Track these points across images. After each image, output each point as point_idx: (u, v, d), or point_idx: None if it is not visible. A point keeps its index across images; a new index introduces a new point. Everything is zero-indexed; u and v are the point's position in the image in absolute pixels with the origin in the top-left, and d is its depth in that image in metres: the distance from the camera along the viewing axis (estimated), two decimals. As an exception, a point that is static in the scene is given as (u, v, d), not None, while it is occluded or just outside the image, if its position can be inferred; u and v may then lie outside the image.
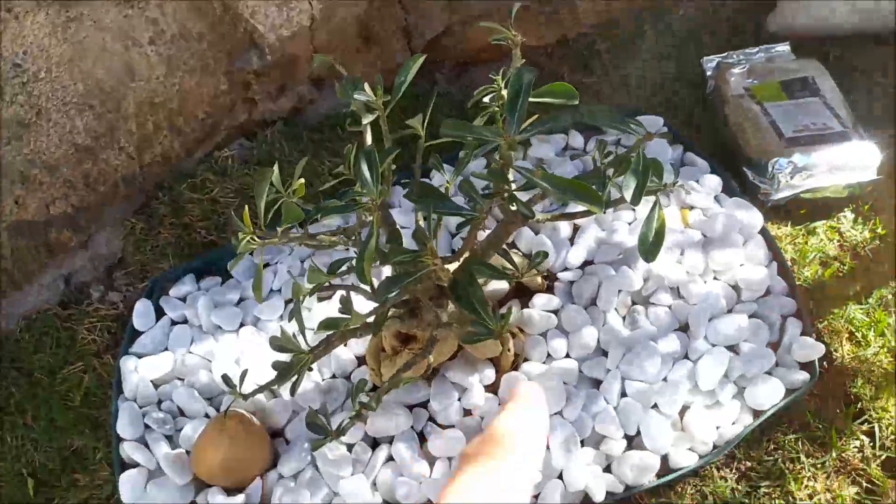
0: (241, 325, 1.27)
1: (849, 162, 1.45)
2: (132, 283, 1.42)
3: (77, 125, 1.29)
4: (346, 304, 0.82)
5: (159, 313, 1.31)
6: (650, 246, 0.87)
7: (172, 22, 1.33)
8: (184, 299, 1.31)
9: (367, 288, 0.79)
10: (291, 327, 0.96)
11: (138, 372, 1.20)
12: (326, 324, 0.82)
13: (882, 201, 1.49)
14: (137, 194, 1.47)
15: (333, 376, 1.19)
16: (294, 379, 0.86)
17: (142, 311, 1.29)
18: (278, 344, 0.86)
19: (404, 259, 0.75)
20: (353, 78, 0.96)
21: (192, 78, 1.41)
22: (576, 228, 1.33)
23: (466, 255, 0.88)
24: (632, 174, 0.82)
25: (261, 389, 0.96)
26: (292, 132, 1.61)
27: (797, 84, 1.59)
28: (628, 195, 0.82)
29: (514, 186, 0.86)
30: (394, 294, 0.77)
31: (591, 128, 1.54)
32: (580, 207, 0.88)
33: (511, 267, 0.90)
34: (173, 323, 1.29)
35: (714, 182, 1.42)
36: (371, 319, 0.88)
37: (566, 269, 1.28)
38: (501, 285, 1.25)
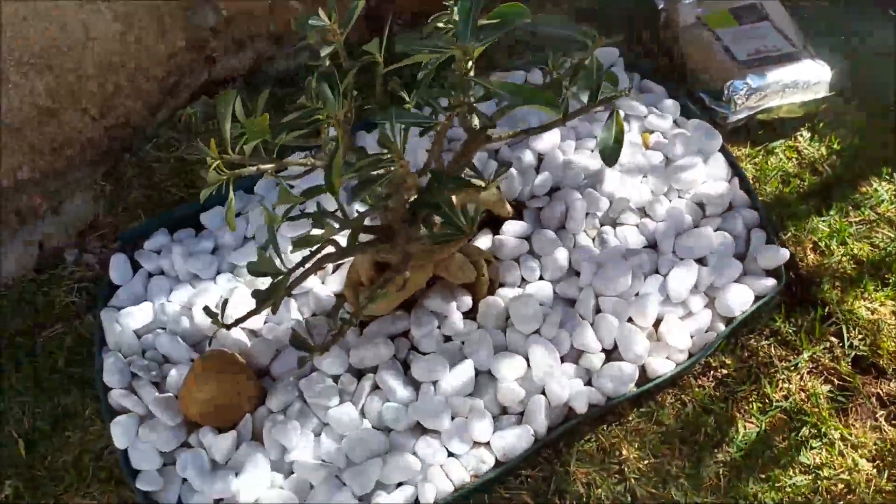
0: (218, 272, 1.28)
1: (801, 81, 1.49)
2: (106, 245, 1.42)
3: (37, 86, 1.29)
4: (318, 219, 0.84)
5: (135, 267, 1.31)
6: (610, 150, 0.90)
7: (125, -23, 1.32)
8: (158, 252, 1.32)
9: (342, 205, 0.81)
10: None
11: (120, 323, 1.21)
12: (300, 241, 0.84)
13: (836, 118, 1.54)
14: (104, 157, 1.46)
15: (314, 314, 1.21)
16: (273, 301, 0.87)
17: (118, 265, 1.30)
18: (255, 268, 0.88)
19: (369, 161, 0.76)
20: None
21: (149, 36, 1.40)
22: (540, 158, 1.36)
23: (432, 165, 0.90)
24: (585, 78, 0.84)
25: (243, 319, 0.97)
26: (253, 88, 1.61)
27: (746, 10, 1.62)
28: (585, 97, 0.84)
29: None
30: (357, 199, 0.79)
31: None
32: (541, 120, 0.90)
33: (474, 175, 0.92)
34: (150, 275, 1.30)
35: (672, 106, 1.45)
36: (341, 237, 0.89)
37: (534, 196, 1.31)
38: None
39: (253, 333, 1.19)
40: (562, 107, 0.85)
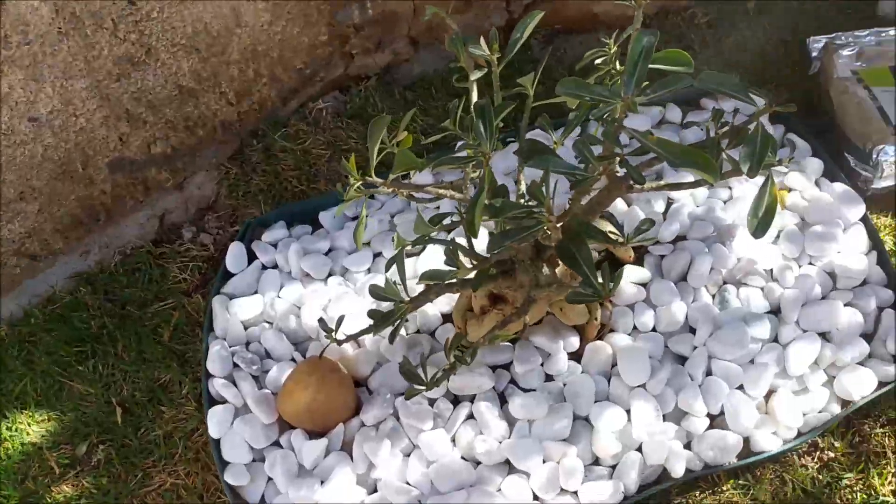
0: (330, 274, 1.29)
1: (961, 155, 1.39)
2: (223, 227, 1.45)
3: (183, 67, 1.32)
4: (452, 256, 0.82)
5: (251, 257, 1.33)
6: (760, 221, 0.85)
7: (280, -31, 1.34)
8: (275, 245, 1.34)
9: (472, 241, 0.79)
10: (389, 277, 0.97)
11: (229, 312, 1.23)
12: (429, 275, 0.83)
13: None
14: (233, 140, 1.49)
15: (418, 331, 1.20)
16: (393, 327, 0.87)
17: (235, 254, 1.32)
18: (377, 292, 0.87)
19: (518, 214, 0.74)
20: (461, 34, 0.96)
21: (295, 27, 1.42)
22: (669, 203, 1.31)
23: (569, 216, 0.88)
24: (749, 145, 0.80)
25: (355, 336, 0.97)
26: (385, 89, 1.61)
27: (909, 70, 1.52)
28: (745, 167, 0.80)
29: (624, 151, 0.85)
30: (499, 250, 0.77)
31: (690, 102, 1.51)
32: (687, 178, 0.86)
33: (616, 232, 0.89)
34: (264, 267, 1.32)
35: (815, 165, 1.37)
36: (471, 274, 0.88)
37: (657, 242, 1.27)
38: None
39: (356, 343, 1.19)
40: (719, 172, 0.81)
